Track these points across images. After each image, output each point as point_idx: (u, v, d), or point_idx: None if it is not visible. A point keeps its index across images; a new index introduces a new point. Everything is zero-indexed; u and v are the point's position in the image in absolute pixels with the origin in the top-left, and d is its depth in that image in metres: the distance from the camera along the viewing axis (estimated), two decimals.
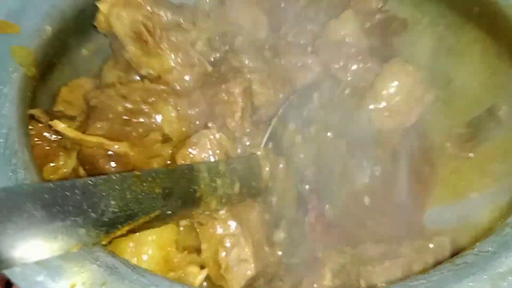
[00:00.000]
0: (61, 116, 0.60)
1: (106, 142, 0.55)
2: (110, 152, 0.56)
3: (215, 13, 0.71)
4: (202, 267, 0.52)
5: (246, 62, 0.65)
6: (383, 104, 0.68)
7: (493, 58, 0.69)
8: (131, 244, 0.49)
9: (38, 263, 0.36)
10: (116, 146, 0.55)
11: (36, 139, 0.57)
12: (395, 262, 0.52)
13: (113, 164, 0.56)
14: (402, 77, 0.68)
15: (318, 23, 0.75)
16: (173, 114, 0.60)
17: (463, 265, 0.37)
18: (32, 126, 0.57)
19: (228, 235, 0.52)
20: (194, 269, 0.51)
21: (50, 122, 0.55)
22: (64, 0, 0.65)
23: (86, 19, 0.68)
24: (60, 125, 0.55)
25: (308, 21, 0.74)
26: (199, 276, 0.50)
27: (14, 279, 0.36)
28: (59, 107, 0.67)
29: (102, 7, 0.65)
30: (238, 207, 0.54)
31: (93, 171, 0.57)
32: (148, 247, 0.50)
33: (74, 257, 0.37)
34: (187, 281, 0.49)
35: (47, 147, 0.58)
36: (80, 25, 0.70)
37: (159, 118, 0.59)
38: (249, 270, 0.51)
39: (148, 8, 0.64)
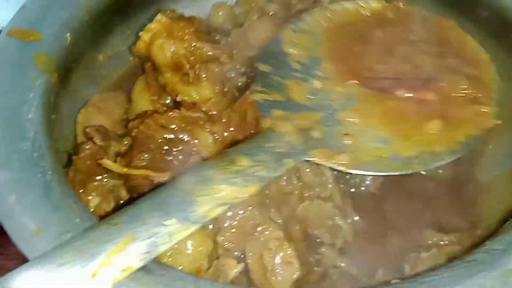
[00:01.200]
0: (111, 138, 0.63)
1: (151, 174, 0.58)
2: (155, 181, 0.58)
3: (234, 35, 0.73)
4: None
5: None
6: None
7: (502, 63, 0.71)
8: (168, 253, 0.52)
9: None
10: (161, 177, 0.58)
11: (88, 161, 0.60)
12: (441, 250, 0.55)
13: None
14: None
15: None
16: (210, 140, 0.62)
17: (473, 262, 0.39)
18: (89, 146, 0.60)
19: (272, 239, 0.53)
20: (230, 261, 0.53)
21: (100, 161, 0.59)
22: (81, 10, 0.67)
23: (102, 27, 0.72)
24: (109, 164, 0.58)
25: None
26: (235, 270, 0.52)
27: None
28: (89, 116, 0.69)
29: (144, 36, 0.67)
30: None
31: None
32: (183, 258, 0.52)
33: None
34: (222, 272, 0.52)
35: (95, 167, 0.60)
36: (96, 32, 0.71)
37: (197, 144, 0.61)
38: (295, 271, 0.53)
39: (191, 42, 0.67)
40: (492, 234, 0.42)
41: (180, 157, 0.62)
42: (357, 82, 0.64)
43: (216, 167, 0.49)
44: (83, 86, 0.72)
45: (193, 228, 0.42)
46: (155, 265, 0.39)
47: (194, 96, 0.65)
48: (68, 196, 0.44)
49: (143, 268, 0.38)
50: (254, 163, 0.50)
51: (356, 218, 0.65)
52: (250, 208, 0.55)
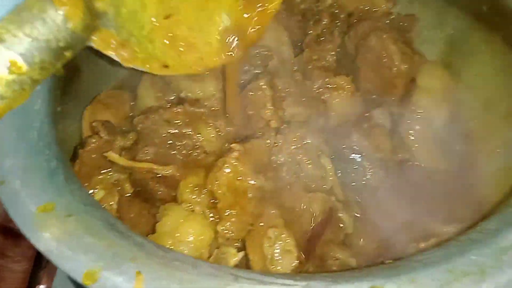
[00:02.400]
0: (116, 133, 0.64)
1: (155, 167, 0.60)
2: (159, 175, 0.61)
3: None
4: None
5: (279, 86, 0.66)
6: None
7: (502, 58, 0.71)
8: (169, 242, 0.53)
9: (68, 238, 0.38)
10: (165, 170, 0.60)
11: (93, 154, 0.62)
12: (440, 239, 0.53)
13: (161, 185, 0.61)
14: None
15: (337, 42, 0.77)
16: (213, 134, 0.64)
17: (467, 241, 0.39)
18: (95, 140, 0.62)
19: (272, 227, 0.54)
20: (231, 250, 0.54)
21: (105, 154, 0.60)
22: None
23: None
24: (114, 157, 0.60)
25: (327, 43, 0.75)
26: (235, 258, 0.53)
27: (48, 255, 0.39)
28: (96, 112, 0.70)
29: None
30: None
31: (143, 192, 0.62)
32: (184, 246, 0.54)
33: (104, 234, 0.40)
34: (222, 260, 0.53)
35: (100, 160, 0.62)
36: None
37: (200, 138, 0.63)
38: (294, 260, 0.53)
39: None
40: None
41: (184, 151, 0.64)
42: None
43: None
44: (91, 83, 0.74)
45: None
46: (156, 248, 0.40)
47: (198, 92, 0.67)
48: (72, 182, 0.45)
49: (143, 249, 0.39)
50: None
51: (358, 210, 0.66)
52: (249, 200, 0.56)
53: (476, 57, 0.75)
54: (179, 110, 0.65)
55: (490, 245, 0.38)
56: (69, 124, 0.69)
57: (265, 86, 0.62)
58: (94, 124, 0.63)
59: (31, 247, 0.40)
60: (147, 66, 0.55)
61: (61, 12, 0.45)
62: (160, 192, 0.61)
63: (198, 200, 0.57)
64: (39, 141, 0.48)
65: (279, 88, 0.67)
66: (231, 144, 0.58)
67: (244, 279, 0.37)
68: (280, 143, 0.62)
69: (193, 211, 0.56)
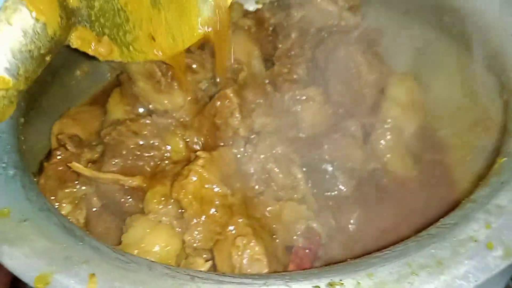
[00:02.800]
0: (84, 146, 0.64)
1: (121, 178, 0.58)
2: (126, 186, 0.59)
3: (209, 49, 0.75)
4: None
5: (249, 97, 0.66)
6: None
7: (467, 68, 0.72)
8: (135, 251, 0.52)
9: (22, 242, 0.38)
10: (131, 181, 0.58)
11: (60, 167, 0.61)
12: None
13: (128, 197, 0.59)
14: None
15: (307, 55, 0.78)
16: (181, 144, 0.63)
17: (426, 236, 0.39)
18: (60, 152, 0.61)
19: (240, 236, 0.53)
20: (198, 260, 0.53)
21: (69, 164, 0.59)
22: None
23: None
24: (78, 167, 0.58)
25: (297, 56, 0.76)
26: (203, 268, 0.52)
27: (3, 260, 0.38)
28: (64, 127, 0.69)
29: None
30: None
31: (111, 205, 0.61)
32: (150, 257, 0.52)
33: (59, 239, 0.39)
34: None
35: (67, 174, 0.61)
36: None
37: (168, 149, 0.62)
38: (264, 268, 0.52)
39: None
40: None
41: (152, 163, 0.63)
42: None
43: None
44: (60, 99, 0.74)
45: None
46: (112, 251, 0.40)
47: (166, 103, 0.67)
48: (30, 189, 0.44)
49: (97, 252, 0.38)
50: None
51: (331, 220, 0.66)
52: (216, 209, 0.55)
53: (443, 69, 0.77)
54: (147, 121, 0.64)
55: (448, 238, 0.37)
56: (37, 140, 0.69)
57: (231, 94, 0.62)
58: (60, 137, 0.62)
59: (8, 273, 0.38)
60: (124, 56, 0.58)
61: (39, 19, 0.46)
62: (128, 204, 0.60)
63: (165, 210, 0.56)
64: None
65: (249, 99, 0.67)
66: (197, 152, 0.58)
67: (201, 279, 0.36)
68: (249, 152, 0.62)
69: (160, 221, 0.55)
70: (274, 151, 0.63)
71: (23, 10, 0.45)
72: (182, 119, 0.66)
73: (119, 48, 0.59)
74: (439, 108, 0.77)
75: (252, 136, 0.63)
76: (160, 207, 0.56)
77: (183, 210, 0.55)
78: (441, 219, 0.41)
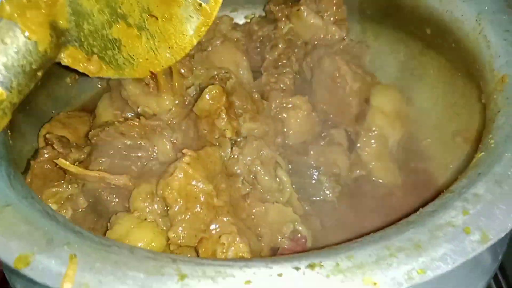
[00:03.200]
0: (71, 147, 0.64)
1: (107, 176, 0.58)
2: (112, 185, 0.59)
3: (197, 56, 0.77)
4: None
5: (237, 102, 0.68)
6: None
7: (449, 80, 0.74)
8: None
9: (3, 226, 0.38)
10: (117, 179, 0.58)
11: (46, 165, 0.62)
12: None
13: (114, 196, 0.60)
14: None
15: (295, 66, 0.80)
16: (168, 146, 0.63)
17: (405, 223, 0.40)
18: (47, 151, 0.62)
19: (225, 234, 0.53)
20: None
21: (56, 161, 0.59)
22: None
23: None
24: (65, 163, 0.58)
25: (285, 67, 0.77)
26: None
27: None
28: (53, 130, 0.69)
29: None
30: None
31: (97, 204, 0.61)
32: None
33: (41, 223, 0.39)
34: None
35: (53, 172, 0.62)
36: None
37: (155, 150, 0.63)
38: None
39: None
40: None
41: (139, 163, 0.63)
42: None
43: None
44: (49, 105, 0.75)
45: None
46: (93, 236, 0.40)
47: (155, 106, 0.67)
48: (14, 178, 0.45)
49: (79, 236, 0.38)
50: None
51: (317, 223, 0.66)
52: (201, 206, 0.55)
53: (426, 81, 0.79)
54: (135, 123, 0.65)
55: (426, 224, 0.38)
56: (26, 143, 0.69)
57: (217, 91, 0.63)
58: (48, 136, 0.63)
59: None
60: (114, 74, 0.61)
61: (31, 38, 0.50)
62: (113, 204, 0.60)
63: (150, 208, 0.56)
64: None
65: (236, 104, 0.68)
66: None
67: (181, 261, 0.36)
68: (236, 155, 0.62)
69: (145, 219, 0.56)
70: (260, 154, 0.64)
71: (16, 30, 0.49)
72: (170, 122, 0.66)
73: (108, 66, 0.61)
74: (423, 119, 0.79)
75: (239, 139, 0.64)
76: (146, 204, 0.56)
77: (167, 208, 0.55)
78: (421, 208, 0.42)
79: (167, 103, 0.67)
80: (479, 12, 0.61)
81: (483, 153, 0.46)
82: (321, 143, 0.72)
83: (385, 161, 0.74)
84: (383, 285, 0.34)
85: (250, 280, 0.34)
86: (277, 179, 0.64)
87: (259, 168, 0.62)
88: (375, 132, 0.73)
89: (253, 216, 0.60)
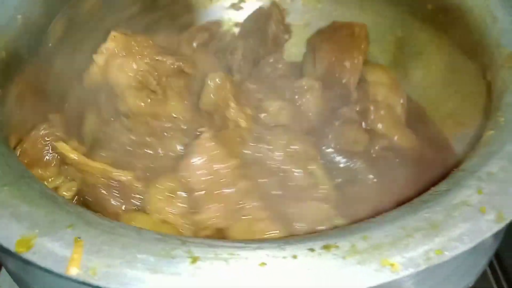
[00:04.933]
0: (73, 135, 0.59)
1: (109, 169, 0.52)
2: (113, 183, 0.53)
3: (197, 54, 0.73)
4: None
5: (249, 87, 0.64)
6: None
7: (448, 57, 0.73)
8: None
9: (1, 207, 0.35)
10: (121, 175, 0.52)
11: (39, 144, 0.56)
12: None
13: (115, 195, 0.53)
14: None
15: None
16: (178, 147, 0.58)
17: (418, 202, 0.39)
18: (45, 126, 0.56)
19: (256, 220, 0.50)
20: None
21: (56, 144, 0.53)
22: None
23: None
24: (65, 147, 0.52)
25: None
26: None
27: None
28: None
29: (99, 59, 0.60)
30: None
31: (94, 204, 0.54)
32: None
33: (42, 204, 0.37)
34: None
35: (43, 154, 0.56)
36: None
37: (165, 150, 0.57)
38: None
39: (152, 56, 0.62)
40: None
41: (144, 160, 0.57)
42: None
43: None
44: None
45: None
46: (98, 217, 0.38)
47: (164, 115, 0.61)
48: (9, 156, 0.43)
49: (82, 218, 0.36)
50: None
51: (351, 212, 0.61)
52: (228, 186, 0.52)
53: (424, 58, 0.78)
54: (143, 119, 0.60)
55: (441, 203, 0.37)
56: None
57: (221, 78, 0.59)
58: (51, 116, 0.57)
59: None
60: None
61: None
62: (114, 203, 0.54)
63: (172, 209, 0.51)
64: None
65: (249, 88, 0.65)
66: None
67: (192, 243, 0.35)
68: (263, 150, 0.58)
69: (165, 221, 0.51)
70: (288, 149, 0.59)
71: None
72: (180, 124, 0.62)
73: None
74: (419, 97, 0.78)
75: (265, 131, 0.60)
76: (166, 204, 0.52)
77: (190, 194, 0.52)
78: (432, 187, 0.41)
79: (177, 111, 0.62)
80: None
81: (492, 131, 0.45)
82: (336, 123, 0.69)
83: (401, 128, 0.73)
84: (401, 266, 0.33)
85: (264, 262, 0.33)
86: (311, 174, 0.59)
87: (290, 166, 0.58)
88: (383, 103, 0.72)
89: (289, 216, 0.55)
